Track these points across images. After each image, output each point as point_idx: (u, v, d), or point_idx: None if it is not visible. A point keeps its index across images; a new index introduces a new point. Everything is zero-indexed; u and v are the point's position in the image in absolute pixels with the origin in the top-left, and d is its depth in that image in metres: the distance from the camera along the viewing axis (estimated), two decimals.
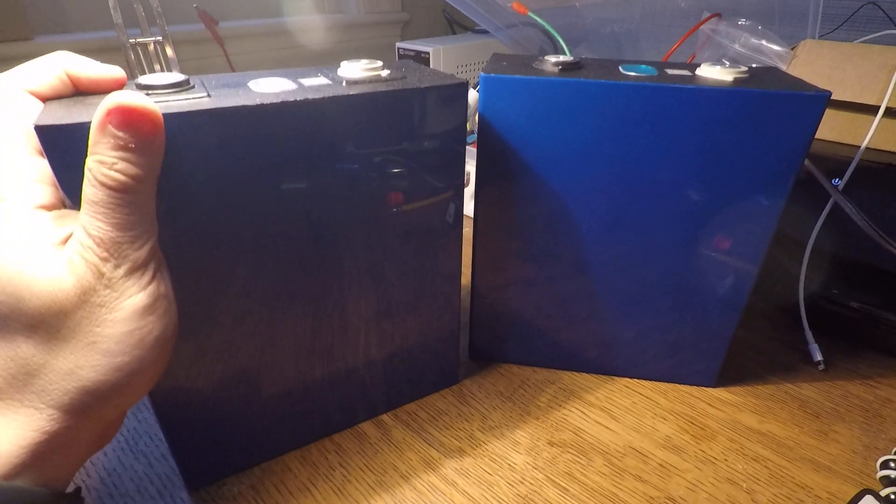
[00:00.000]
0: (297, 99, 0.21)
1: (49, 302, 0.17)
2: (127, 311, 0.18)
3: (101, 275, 0.17)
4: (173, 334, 0.20)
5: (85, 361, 0.17)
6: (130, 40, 0.49)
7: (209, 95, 0.21)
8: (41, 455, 0.17)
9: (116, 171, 0.17)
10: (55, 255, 0.17)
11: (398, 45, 0.78)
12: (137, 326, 0.18)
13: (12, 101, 0.19)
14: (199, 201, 0.21)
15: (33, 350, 0.17)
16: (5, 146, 0.18)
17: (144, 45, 0.50)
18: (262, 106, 0.21)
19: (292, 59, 0.93)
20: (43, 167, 0.19)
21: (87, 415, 0.18)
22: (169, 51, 0.51)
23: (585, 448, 0.31)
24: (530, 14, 0.54)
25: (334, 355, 0.29)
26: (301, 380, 0.29)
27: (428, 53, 0.74)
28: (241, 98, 0.21)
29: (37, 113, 0.19)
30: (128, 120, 0.17)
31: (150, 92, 0.21)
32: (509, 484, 0.29)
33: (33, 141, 0.19)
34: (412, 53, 0.76)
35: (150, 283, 0.18)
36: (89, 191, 0.17)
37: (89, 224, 0.17)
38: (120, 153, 0.17)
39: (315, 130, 0.23)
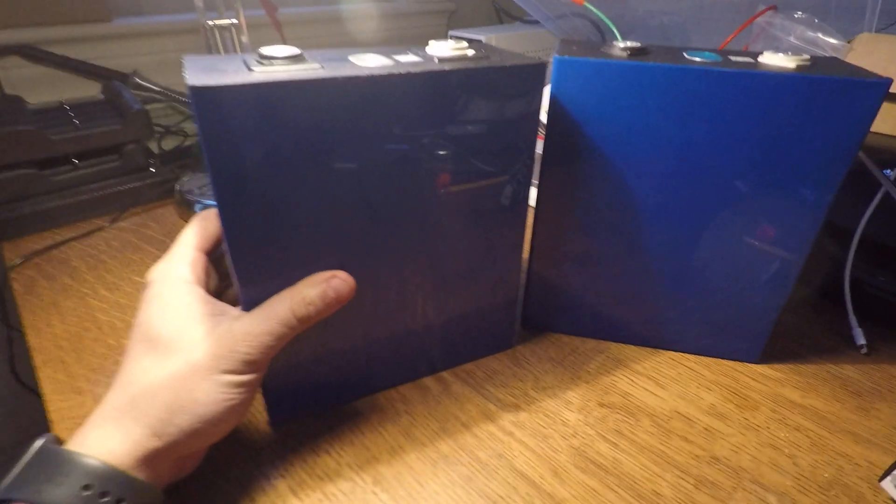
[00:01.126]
0: (402, 72, 0.24)
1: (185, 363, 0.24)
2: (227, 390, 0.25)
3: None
4: (244, 412, 0.26)
5: (184, 412, 0.23)
6: (209, 23, 0.53)
7: (323, 67, 0.24)
8: (146, 461, 0.23)
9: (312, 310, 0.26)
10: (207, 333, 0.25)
11: (450, 33, 0.80)
12: (229, 399, 0.24)
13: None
14: (308, 161, 0.24)
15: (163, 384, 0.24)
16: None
17: (221, 28, 0.54)
18: (372, 77, 0.23)
19: (345, 45, 0.96)
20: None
21: (175, 445, 0.24)
22: (243, 34, 0.54)
23: (633, 410, 0.33)
24: (586, 4, 0.56)
25: (402, 317, 0.32)
26: (369, 337, 0.32)
27: (480, 42, 0.76)
28: (352, 69, 0.24)
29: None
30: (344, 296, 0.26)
31: (273, 62, 0.24)
32: (563, 437, 0.31)
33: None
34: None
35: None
36: (281, 310, 0.25)
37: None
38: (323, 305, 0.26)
39: (417, 101, 0.25)
